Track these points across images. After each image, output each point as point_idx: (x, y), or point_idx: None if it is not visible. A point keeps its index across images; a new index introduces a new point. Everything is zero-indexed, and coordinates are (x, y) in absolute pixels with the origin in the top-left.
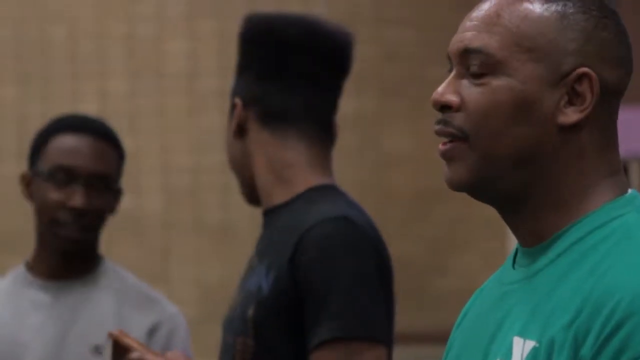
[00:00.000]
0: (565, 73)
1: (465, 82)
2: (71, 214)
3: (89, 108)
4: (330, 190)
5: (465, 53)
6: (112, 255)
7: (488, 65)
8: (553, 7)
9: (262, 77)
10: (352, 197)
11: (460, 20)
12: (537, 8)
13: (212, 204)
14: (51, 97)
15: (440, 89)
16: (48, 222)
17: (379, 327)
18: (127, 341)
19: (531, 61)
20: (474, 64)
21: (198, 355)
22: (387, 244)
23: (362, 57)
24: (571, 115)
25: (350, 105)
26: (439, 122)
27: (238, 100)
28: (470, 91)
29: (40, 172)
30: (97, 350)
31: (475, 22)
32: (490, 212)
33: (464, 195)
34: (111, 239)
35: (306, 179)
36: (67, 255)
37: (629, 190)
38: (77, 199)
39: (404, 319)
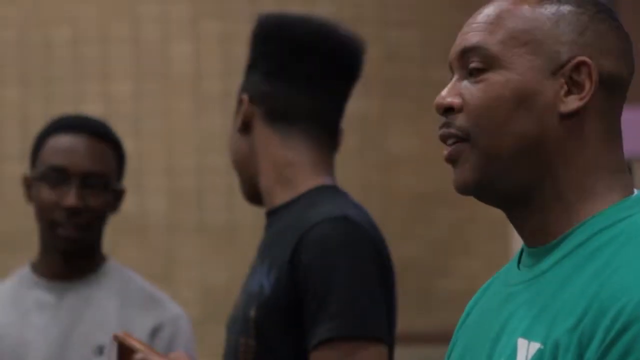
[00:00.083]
0: (563, 63)
1: (465, 83)
2: (65, 214)
3: (92, 110)
4: (331, 191)
5: (464, 53)
6: (116, 256)
7: (485, 61)
8: (548, 5)
9: (270, 75)
10: (354, 198)
11: (464, 21)
12: (533, 7)
13: (216, 206)
14: (54, 98)
15: (442, 93)
16: (46, 223)
17: (378, 326)
18: (132, 342)
19: (528, 54)
20: (472, 61)
21: (201, 355)
22: (390, 244)
23: (365, 57)
24: (571, 104)
25: (353, 105)
26: (442, 126)
27: (245, 97)
28: (470, 90)
29: (37, 173)
30: (100, 350)
31: (472, 26)
32: (493, 214)
33: (467, 196)
34: (115, 240)
35: (307, 179)
36: (67, 255)
37: (635, 191)
38: (70, 198)
39: (405, 320)
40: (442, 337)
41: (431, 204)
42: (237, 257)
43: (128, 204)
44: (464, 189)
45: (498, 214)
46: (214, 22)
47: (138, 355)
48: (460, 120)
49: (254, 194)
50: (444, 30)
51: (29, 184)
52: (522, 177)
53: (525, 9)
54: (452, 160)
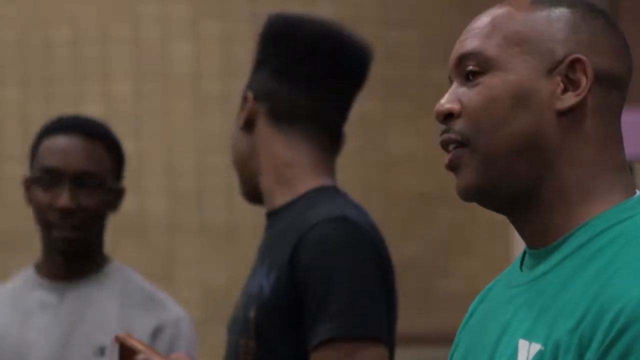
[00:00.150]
0: (558, 61)
1: (463, 89)
2: (59, 215)
3: (92, 110)
4: (330, 191)
5: (460, 60)
6: (116, 256)
7: (481, 65)
8: (541, 8)
9: (276, 74)
10: (353, 198)
11: (464, 21)
12: (526, 11)
13: (216, 206)
14: (54, 98)
15: (441, 101)
16: (42, 224)
17: (378, 326)
18: (133, 343)
19: (523, 54)
20: (469, 66)
21: (202, 356)
22: (390, 244)
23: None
24: (567, 100)
25: (353, 106)
26: (442, 133)
27: (250, 94)
28: (468, 94)
29: (33, 175)
30: (101, 351)
31: (468, 33)
32: (494, 214)
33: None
34: (115, 241)
35: (307, 180)
36: (66, 255)
37: (637, 191)
38: (63, 199)
39: (406, 321)
40: (443, 338)
41: (431, 204)
42: (237, 257)
43: (128, 204)
44: (467, 195)
45: (499, 214)
46: (213, 22)
47: (140, 356)
48: (459, 124)
49: (253, 194)
50: (444, 30)
51: (28, 186)
52: (523, 178)
53: (519, 14)
54: (453, 166)
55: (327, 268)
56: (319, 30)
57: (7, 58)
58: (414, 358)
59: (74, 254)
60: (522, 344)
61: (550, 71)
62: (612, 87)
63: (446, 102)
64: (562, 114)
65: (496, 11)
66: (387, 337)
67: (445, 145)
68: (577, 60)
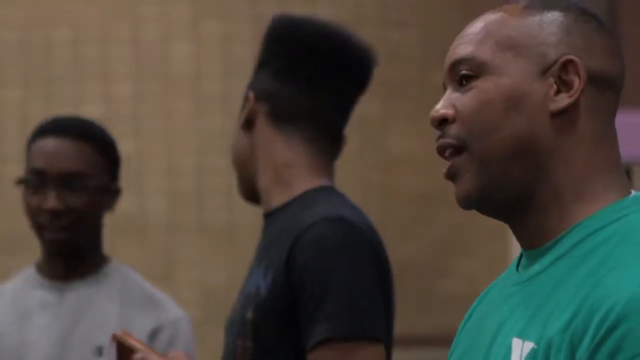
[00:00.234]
0: (551, 63)
1: (457, 94)
2: (48, 217)
3: (93, 110)
4: (327, 191)
5: (454, 66)
6: (116, 256)
7: (474, 69)
8: (533, 12)
9: (278, 75)
10: (351, 199)
11: (463, 22)
12: (518, 16)
13: (216, 207)
14: (55, 99)
15: (436, 107)
16: (34, 226)
17: (375, 326)
18: (131, 342)
19: (516, 57)
20: (462, 70)
21: (201, 356)
22: (390, 245)
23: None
24: (561, 101)
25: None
26: (438, 139)
27: (251, 94)
28: (462, 99)
29: (23, 177)
30: (100, 351)
31: (462, 40)
32: None
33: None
34: (115, 241)
35: (304, 181)
36: (60, 256)
37: (632, 192)
38: (50, 201)
39: (405, 321)
40: (442, 338)
41: (431, 204)
42: (237, 257)
43: (128, 204)
44: (467, 201)
45: None
46: (214, 23)
47: (137, 355)
48: (454, 129)
49: (252, 194)
50: (444, 31)
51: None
52: (518, 181)
53: (512, 19)
54: (452, 174)
55: (323, 268)
56: (321, 32)
57: (7, 58)
58: (414, 359)
59: (68, 254)
60: (516, 343)
61: (543, 73)
62: (605, 88)
63: (441, 107)
64: (556, 115)
65: (489, 17)
66: (384, 337)
67: (441, 150)
68: (570, 61)
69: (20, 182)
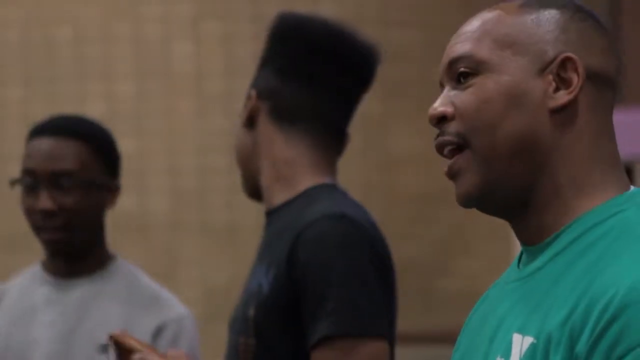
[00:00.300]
0: (549, 60)
1: (455, 92)
2: (41, 217)
3: (94, 110)
4: (329, 189)
5: (452, 64)
6: None
7: (472, 67)
8: (530, 10)
9: (280, 73)
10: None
11: (465, 21)
12: (515, 14)
13: (218, 206)
14: (56, 98)
15: (434, 105)
16: (31, 227)
17: (376, 322)
18: (130, 342)
19: (514, 55)
20: (460, 69)
21: (204, 354)
22: (391, 244)
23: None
24: (560, 99)
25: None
26: (437, 136)
27: (253, 92)
28: (461, 96)
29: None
30: (104, 349)
31: (458, 38)
32: None
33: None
34: (117, 240)
35: (306, 179)
36: (59, 255)
37: (631, 188)
38: (42, 201)
39: (408, 320)
40: (443, 337)
41: (432, 204)
42: (239, 256)
43: (130, 203)
44: (468, 199)
45: None
46: (215, 22)
47: (136, 356)
48: (453, 126)
49: (255, 191)
50: (445, 30)
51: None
52: (521, 178)
53: (509, 17)
54: (453, 173)
55: (325, 265)
56: (323, 30)
57: (9, 58)
58: (415, 357)
59: (66, 253)
60: (516, 338)
61: (542, 71)
62: (602, 85)
63: (439, 105)
64: (555, 112)
65: (486, 15)
66: (386, 332)
67: (440, 148)
68: (568, 58)
69: (14, 182)
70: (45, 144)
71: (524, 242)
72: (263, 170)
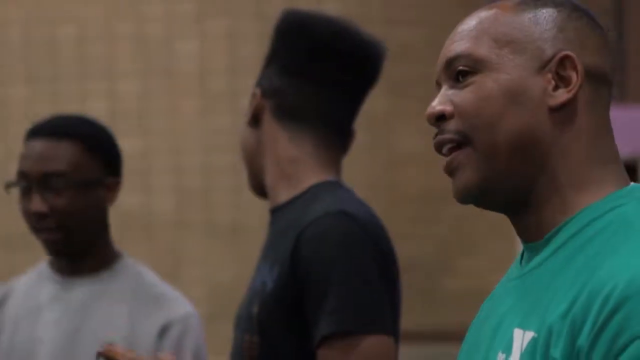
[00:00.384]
0: (548, 59)
1: (453, 91)
2: (35, 219)
3: (98, 108)
4: (333, 186)
5: (450, 63)
6: None
7: (471, 66)
8: (526, 8)
9: (284, 71)
10: (357, 194)
11: None
12: (512, 12)
13: (222, 204)
14: (60, 97)
15: (432, 104)
16: (30, 229)
17: (379, 319)
18: (117, 355)
19: (513, 53)
20: (458, 68)
21: (209, 352)
22: (395, 242)
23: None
24: (560, 97)
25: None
26: (436, 135)
27: (257, 90)
28: (460, 95)
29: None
30: None
31: (456, 37)
32: (498, 213)
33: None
34: (122, 239)
35: (310, 176)
36: (59, 255)
37: (630, 184)
38: (34, 203)
39: (411, 318)
40: (447, 335)
41: (436, 202)
42: (243, 255)
43: (134, 202)
44: (466, 195)
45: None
46: (219, 20)
47: None
48: (452, 125)
49: (261, 188)
50: (449, 29)
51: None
52: (519, 176)
53: (506, 15)
54: (452, 169)
55: (326, 263)
56: (328, 28)
57: (12, 56)
58: (419, 355)
59: (66, 253)
60: (517, 333)
61: (541, 69)
62: (599, 82)
63: (437, 104)
64: (555, 110)
65: (483, 14)
66: (390, 328)
67: (439, 146)
68: (567, 57)
69: (9, 186)
70: (37, 146)
71: (524, 239)
72: (267, 169)
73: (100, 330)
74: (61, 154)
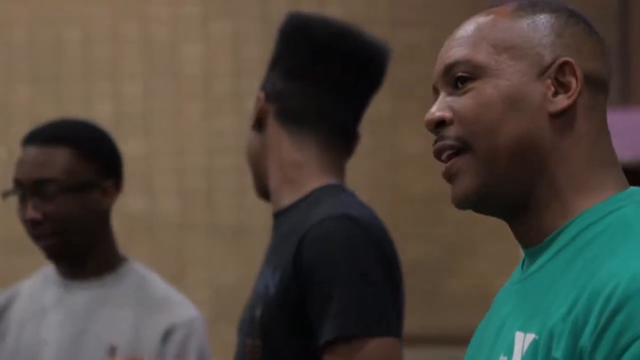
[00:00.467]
0: (547, 65)
1: (452, 97)
2: (31, 226)
3: (102, 110)
4: (336, 189)
5: (448, 69)
6: None
7: (470, 72)
8: (524, 14)
9: (288, 75)
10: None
11: None
12: (510, 18)
13: (226, 206)
14: (64, 98)
15: (430, 110)
16: (28, 236)
17: (383, 322)
18: None
19: (512, 59)
20: (457, 74)
21: (212, 355)
22: (398, 245)
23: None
24: (560, 103)
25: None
26: (435, 142)
27: (261, 94)
28: (459, 101)
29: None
30: (113, 351)
31: (453, 43)
32: None
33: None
34: (126, 241)
35: (313, 180)
36: (58, 260)
37: (629, 187)
38: (27, 211)
39: (415, 321)
40: (449, 338)
41: (440, 204)
42: (247, 257)
43: (138, 204)
44: (465, 201)
45: None
46: (224, 23)
47: None
48: (452, 131)
49: (265, 191)
50: (453, 30)
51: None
52: (519, 182)
53: (504, 21)
54: (451, 174)
55: (329, 266)
56: (331, 32)
57: (17, 57)
58: (422, 358)
59: (65, 258)
60: (518, 336)
61: (540, 75)
62: (597, 88)
63: (437, 110)
64: (555, 116)
65: (480, 19)
66: (394, 330)
67: (439, 152)
68: (566, 63)
69: (6, 195)
70: (30, 153)
71: (523, 244)
72: (271, 173)
73: (104, 334)
74: (53, 160)
